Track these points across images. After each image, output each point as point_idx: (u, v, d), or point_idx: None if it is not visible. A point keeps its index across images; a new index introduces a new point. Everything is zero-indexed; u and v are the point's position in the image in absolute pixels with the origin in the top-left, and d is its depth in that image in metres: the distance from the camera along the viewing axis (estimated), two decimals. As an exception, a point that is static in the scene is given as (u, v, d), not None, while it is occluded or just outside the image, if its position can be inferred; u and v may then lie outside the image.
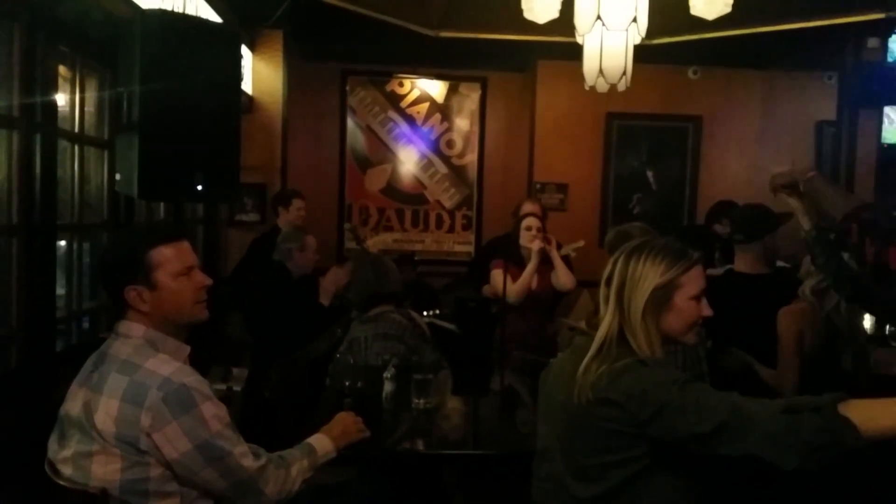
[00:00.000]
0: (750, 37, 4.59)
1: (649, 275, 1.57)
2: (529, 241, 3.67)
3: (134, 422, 1.52)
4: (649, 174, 6.14)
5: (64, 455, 1.60)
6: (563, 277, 3.67)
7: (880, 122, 5.50)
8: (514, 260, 3.65)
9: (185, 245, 1.71)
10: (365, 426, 2.12)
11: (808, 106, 6.11)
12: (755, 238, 2.85)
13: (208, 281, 1.73)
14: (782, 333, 2.52)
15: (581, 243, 3.89)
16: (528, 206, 4.28)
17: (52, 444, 1.65)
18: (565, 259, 3.98)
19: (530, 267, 3.61)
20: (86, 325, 3.46)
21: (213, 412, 1.60)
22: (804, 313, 2.49)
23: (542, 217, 4.00)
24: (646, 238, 1.70)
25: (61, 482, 1.58)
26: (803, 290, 2.50)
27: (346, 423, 2.08)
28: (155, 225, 3.38)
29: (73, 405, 1.61)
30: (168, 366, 1.59)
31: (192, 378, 1.59)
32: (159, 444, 1.53)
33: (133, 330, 1.65)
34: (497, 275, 3.64)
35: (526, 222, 3.76)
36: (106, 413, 1.54)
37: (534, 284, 3.64)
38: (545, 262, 3.66)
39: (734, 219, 3.04)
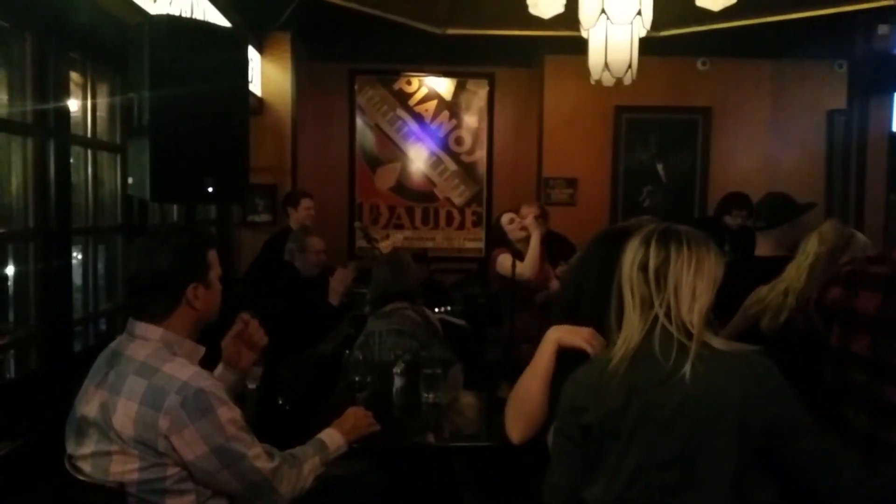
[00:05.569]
0: (758, 26, 4.57)
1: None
2: (519, 232, 3.74)
3: (152, 425, 1.56)
4: (659, 167, 6.13)
5: (82, 453, 1.64)
6: (527, 263, 3.68)
7: (891, 110, 5.47)
8: (515, 255, 3.69)
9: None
10: (376, 420, 2.16)
11: (819, 94, 6.07)
12: (776, 224, 2.94)
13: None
14: (742, 306, 2.63)
15: None
16: (524, 209, 4.27)
17: (70, 442, 1.69)
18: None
19: (534, 239, 3.68)
20: (102, 326, 3.52)
21: (229, 416, 1.63)
22: (770, 289, 2.56)
23: (541, 215, 4.04)
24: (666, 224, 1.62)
25: (81, 477, 1.62)
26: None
27: (357, 417, 2.12)
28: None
29: (89, 406, 1.64)
30: (186, 370, 1.63)
31: (208, 383, 1.63)
32: (177, 446, 1.57)
33: (150, 332, 1.69)
34: (505, 258, 3.68)
35: (506, 218, 3.87)
36: (125, 415, 1.58)
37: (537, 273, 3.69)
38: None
39: (757, 206, 3.11)
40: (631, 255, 1.55)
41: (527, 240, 3.79)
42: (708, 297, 1.51)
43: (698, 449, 1.42)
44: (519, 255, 3.65)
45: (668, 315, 1.49)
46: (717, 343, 1.49)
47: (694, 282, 1.49)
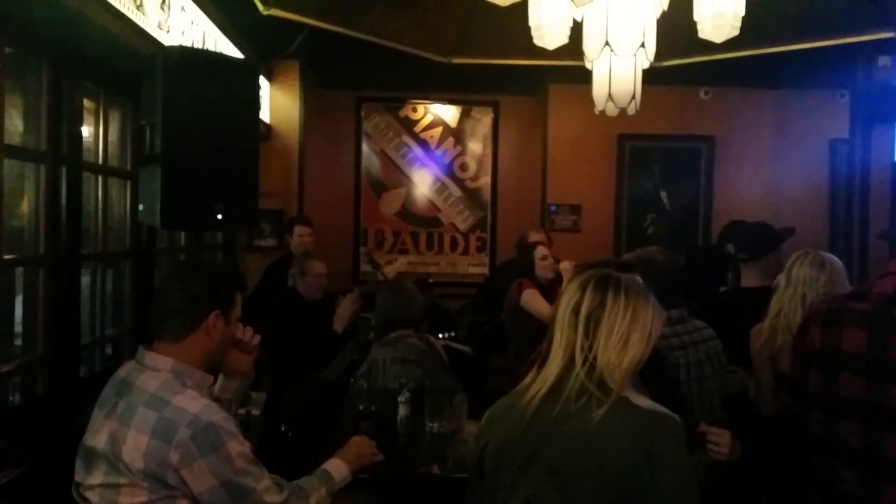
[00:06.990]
0: (761, 56, 4.61)
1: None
2: (549, 273, 3.74)
3: (163, 458, 1.56)
4: (663, 195, 6.16)
5: (90, 483, 1.64)
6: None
7: (893, 139, 5.48)
8: (540, 289, 3.70)
9: None
10: (378, 450, 2.15)
11: (821, 124, 6.09)
12: (759, 256, 2.92)
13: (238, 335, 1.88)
14: (753, 354, 2.50)
15: None
16: (535, 235, 4.30)
17: (79, 470, 1.70)
18: None
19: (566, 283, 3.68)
20: (109, 351, 3.54)
21: (239, 450, 1.64)
22: (773, 332, 2.44)
23: (549, 244, 4.06)
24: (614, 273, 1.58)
25: (88, 506, 1.63)
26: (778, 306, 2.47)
27: (361, 446, 2.11)
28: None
29: (98, 438, 1.64)
30: (196, 403, 1.63)
31: (219, 416, 1.63)
32: (187, 479, 1.57)
33: (160, 363, 1.69)
34: (534, 295, 3.67)
35: (539, 252, 3.83)
36: (135, 447, 1.58)
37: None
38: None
39: (738, 238, 3.10)
40: (567, 297, 1.54)
41: (554, 279, 3.79)
42: (641, 350, 1.47)
43: (578, 496, 1.42)
44: (541, 289, 3.68)
45: (590, 362, 1.46)
46: (635, 398, 1.46)
47: (628, 331, 1.46)
